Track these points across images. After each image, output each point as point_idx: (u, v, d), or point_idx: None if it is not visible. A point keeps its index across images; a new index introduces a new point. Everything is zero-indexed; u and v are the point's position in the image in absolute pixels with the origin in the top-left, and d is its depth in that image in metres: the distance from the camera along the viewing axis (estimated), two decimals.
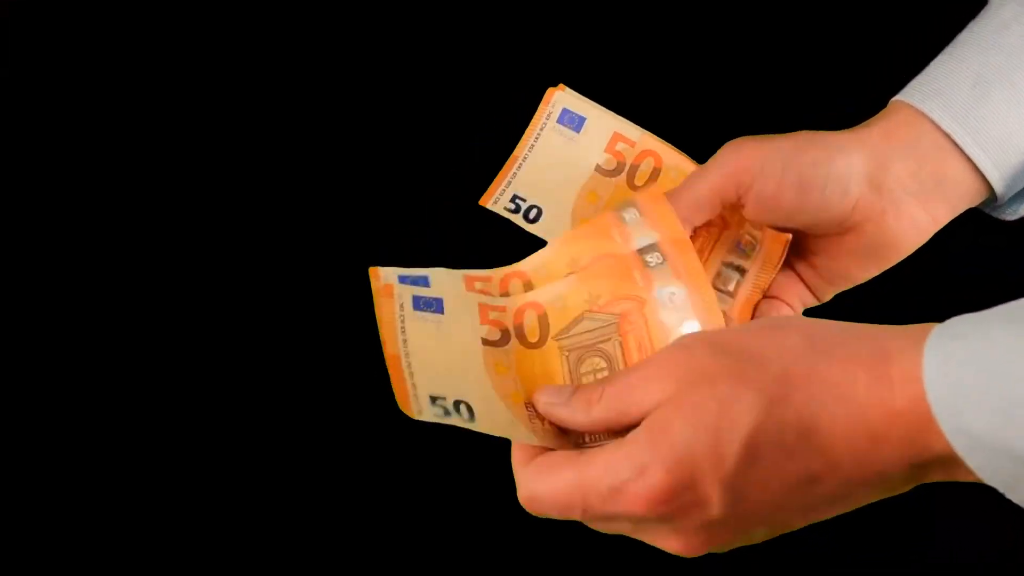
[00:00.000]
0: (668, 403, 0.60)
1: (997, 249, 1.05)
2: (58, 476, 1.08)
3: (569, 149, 0.81)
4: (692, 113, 1.05)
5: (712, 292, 0.72)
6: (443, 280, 0.72)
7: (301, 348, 1.09)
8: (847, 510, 0.62)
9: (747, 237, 0.80)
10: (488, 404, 0.67)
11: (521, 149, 0.81)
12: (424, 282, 0.72)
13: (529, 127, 0.81)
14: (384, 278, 0.71)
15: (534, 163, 0.80)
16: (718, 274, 0.78)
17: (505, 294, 0.74)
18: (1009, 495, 0.58)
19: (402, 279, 0.71)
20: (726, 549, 0.63)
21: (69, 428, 1.08)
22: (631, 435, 0.61)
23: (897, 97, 0.78)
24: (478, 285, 0.73)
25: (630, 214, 0.74)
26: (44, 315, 1.09)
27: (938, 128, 0.75)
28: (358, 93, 1.08)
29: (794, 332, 0.61)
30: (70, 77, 1.08)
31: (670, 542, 0.62)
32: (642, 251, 0.73)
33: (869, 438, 0.58)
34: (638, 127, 0.81)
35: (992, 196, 0.78)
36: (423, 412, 0.66)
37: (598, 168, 0.81)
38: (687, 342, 0.62)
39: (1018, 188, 0.78)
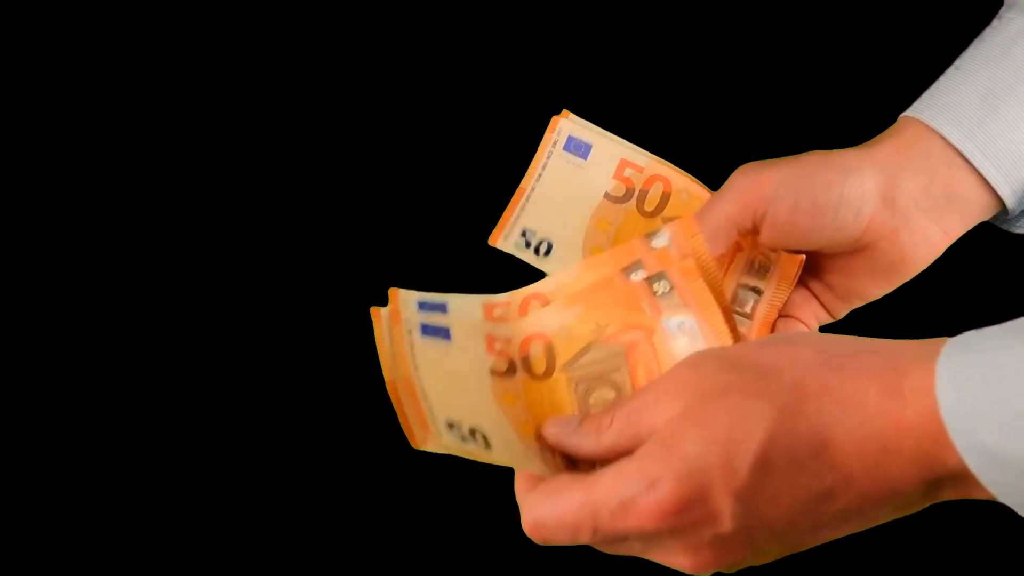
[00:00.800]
0: (679, 418, 0.60)
1: (1008, 261, 1.05)
2: (58, 476, 1.08)
3: (577, 177, 0.81)
4: (698, 133, 1.05)
5: (721, 320, 0.71)
6: (460, 307, 0.72)
7: (307, 367, 1.09)
8: (858, 530, 0.62)
9: (761, 258, 0.80)
10: (502, 433, 0.66)
11: (528, 180, 0.81)
12: (442, 308, 0.71)
13: (535, 157, 0.82)
14: (401, 300, 0.71)
15: (542, 194, 0.81)
16: (734, 296, 0.78)
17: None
18: (1022, 513, 0.58)
19: (421, 304, 0.71)
20: (734, 569, 0.63)
21: (69, 428, 1.08)
22: (641, 450, 0.60)
23: (906, 113, 0.78)
24: (497, 312, 0.73)
25: (661, 285, 0.73)
26: (44, 315, 1.09)
27: (948, 143, 0.75)
28: (366, 123, 1.08)
29: (806, 346, 0.61)
30: (70, 77, 1.08)
31: (680, 559, 0.62)
32: (650, 280, 0.72)
33: (881, 451, 0.58)
34: (645, 152, 0.81)
35: (1003, 210, 0.78)
36: (442, 437, 0.64)
37: (607, 195, 0.81)
38: (696, 360, 0.63)
39: None
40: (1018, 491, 0.57)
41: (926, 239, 0.76)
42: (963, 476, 0.58)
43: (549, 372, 0.72)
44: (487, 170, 1.04)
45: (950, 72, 0.78)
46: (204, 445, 1.08)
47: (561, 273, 0.73)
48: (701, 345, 0.69)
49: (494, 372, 0.71)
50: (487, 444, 0.64)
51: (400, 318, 0.69)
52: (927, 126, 0.76)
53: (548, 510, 0.62)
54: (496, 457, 0.64)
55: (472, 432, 0.64)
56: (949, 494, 0.60)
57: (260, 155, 1.07)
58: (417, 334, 0.69)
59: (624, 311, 0.71)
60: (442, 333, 0.70)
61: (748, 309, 0.78)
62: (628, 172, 0.81)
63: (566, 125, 0.82)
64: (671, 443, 0.59)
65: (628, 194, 0.81)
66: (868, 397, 0.58)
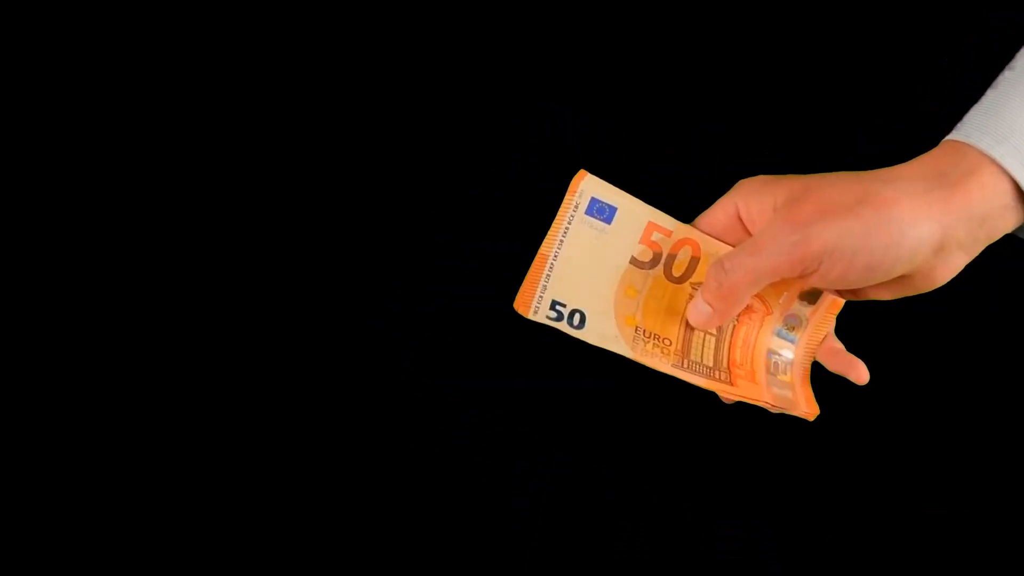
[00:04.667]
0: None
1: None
2: (58, 476, 1.09)
3: (601, 242, 0.77)
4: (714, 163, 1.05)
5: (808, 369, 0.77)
6: (627, 206, 0.77)
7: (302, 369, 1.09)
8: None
9: (790, 321, 0.79)
10: (602, 319, 0.75)
11: (550, 246, 0.77)
12: (606, 212, 0.77)
13: (556, 221, 0.77)
14: (582, 181, 0.77)
15: (566, 261, 0.77)
16: (769, 364, 0.78)
17: (673, 255, 0.78)
18: None
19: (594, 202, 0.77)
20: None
21: (69, 428, 1.09)
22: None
23: (983, 149, 0.73)
24: (655, 236, 0.77)
25: (800, 310, 0.77)
26: (44, 315, 1.09)
27: (1014, 183, 0.72)
28: (369, 128, 1.08)
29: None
30: (70, 77, 1.08)
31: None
32: (802, 297, 0.77)
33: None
34: (669, 217, 0.78)
35: None
36: (538, 313, 0.75)
37: (633, 260, 0.77)
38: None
39: None
40: None
41: (955, 269, 0.74)
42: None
43: (683, 279, 0.76)
44: (488, 171, 1.04)
45: (1002, 97, 0.75)
46: (203, 445, 1.09)
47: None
48: (784, 373, 0.77)
49: (635, 260, 0.76)
50: (581, 324, 0.74)
51: (577, 189, 0.76)
52: (1004, 173, 0.73)
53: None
54: (584, 335, 0.74)
55: (572, 314, 0.74)
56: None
57: (258, 160, 1.07)
58: (581, 211, 0.76)
59: (768, 286, 0.76)
60: (606, 213, 0.76)
61: (787, 376, 0.78)
62: (656, 236, 0.77)
63: (588, 186, 0.78)
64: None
65: (655, 259, 0.77)
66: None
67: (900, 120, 0.99)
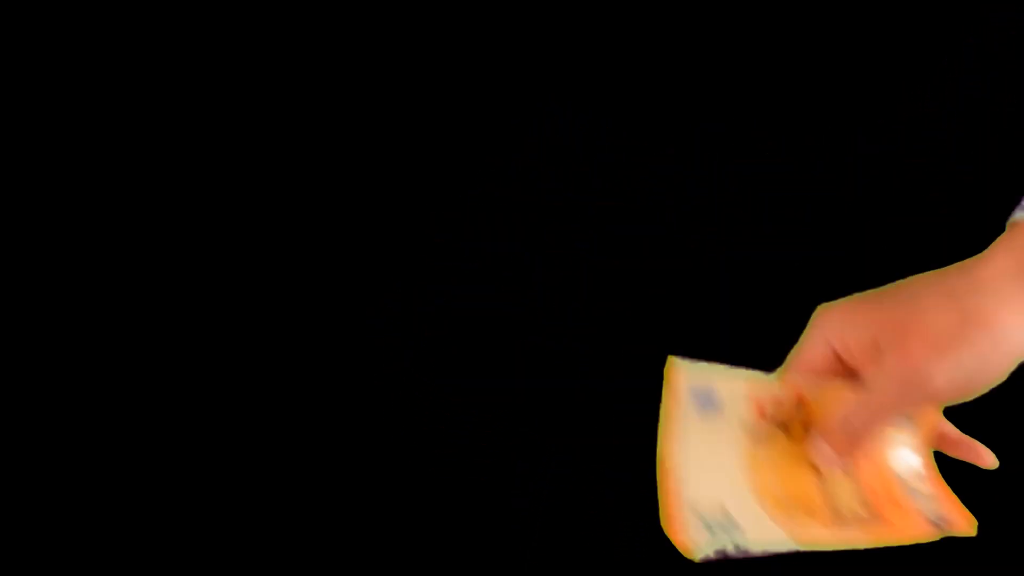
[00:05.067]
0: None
1: None
2: (58, 476, 1.08)
3: (714, 430, 0.73)
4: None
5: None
6: (722, 384, 0.73)
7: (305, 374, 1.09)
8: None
9: (899, 422, 0.77)
10: (750, 514, 0.70)
11: (670, 454, 0.72)
12: (709, 399, 0.72)
13: (665, 424, 0.73)
14: (677, 372, 0.72)
15: (691, 464, 0.73)
16: (898, 472, 0.76)
17: (785, 415, 0.75)
18: None
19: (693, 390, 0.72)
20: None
21: (69, 428, 1.08)
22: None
23: None
24: (763, 404, 0.73)
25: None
26: (44, 315, 1.08)
27: None
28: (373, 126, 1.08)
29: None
30: (70, 77, 1.08)
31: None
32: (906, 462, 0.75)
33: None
34: (764, 375, 0.75)
35: None
36: (700, 548, 0.68)
37: (751, 436, 0.74)
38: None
39: None
40: None
41: None
42: None
43: (798, 433, 0.73)
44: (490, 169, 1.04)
45: None
46: (203, 444, 1.08)
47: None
48: (911, 463, 0.75)
49: (753, 436, 0.72)
50: (738, 532, 0.68)
51: (673, 385, 0.71)
52: None
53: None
54: (748, 543, 0.69)
55: (723, 524, 0.69)
56: None
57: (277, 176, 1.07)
58: (688, 406, 0.71)
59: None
60: (708, 399, 0.71)
61: (922, 486, 0.76)
62: (764, 404, 0.75)
63: (684, 376, 0.74)
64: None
65: (771, 427, 0.75)
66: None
67: (900, 120, 0.99)
